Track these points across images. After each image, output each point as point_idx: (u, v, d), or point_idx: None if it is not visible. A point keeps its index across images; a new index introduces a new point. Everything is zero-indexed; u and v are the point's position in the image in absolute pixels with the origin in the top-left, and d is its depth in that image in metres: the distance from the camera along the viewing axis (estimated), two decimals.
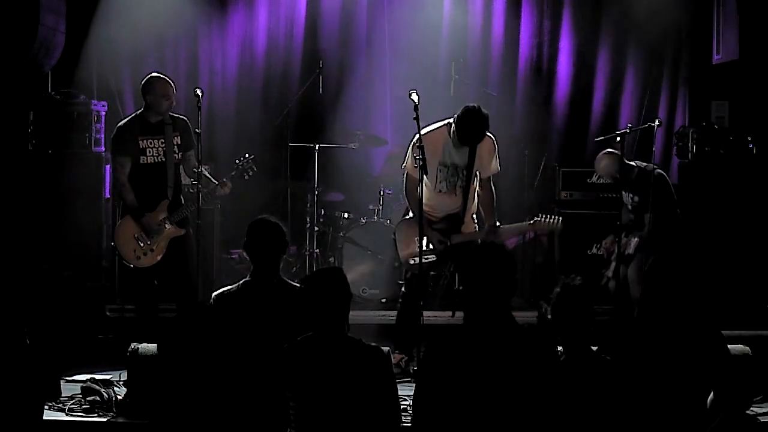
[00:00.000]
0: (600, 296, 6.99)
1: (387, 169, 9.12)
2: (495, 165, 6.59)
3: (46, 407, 4.88)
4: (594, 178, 8.20)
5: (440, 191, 6.48)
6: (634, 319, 6.61)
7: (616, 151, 7.13)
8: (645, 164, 7.22)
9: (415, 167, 6.16)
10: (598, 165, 7.37)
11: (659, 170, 7.24)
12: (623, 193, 7.20)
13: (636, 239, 7.08)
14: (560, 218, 6.58)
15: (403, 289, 6.69)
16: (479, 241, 6.56)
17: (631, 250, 7.05)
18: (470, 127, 6.32)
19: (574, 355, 4.08)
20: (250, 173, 6.67)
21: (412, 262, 6.48)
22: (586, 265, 7.83)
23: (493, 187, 6.65)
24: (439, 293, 8.14)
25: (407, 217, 6.70)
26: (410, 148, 6.49)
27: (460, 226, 6.54)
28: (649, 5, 8.88)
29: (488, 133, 6.51)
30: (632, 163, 7.19)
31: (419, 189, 6.33)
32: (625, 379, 4.08)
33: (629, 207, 7.19)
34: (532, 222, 6.62)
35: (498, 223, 6.55)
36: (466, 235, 6.53)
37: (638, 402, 4.17)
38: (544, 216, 6.60)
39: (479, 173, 6.54)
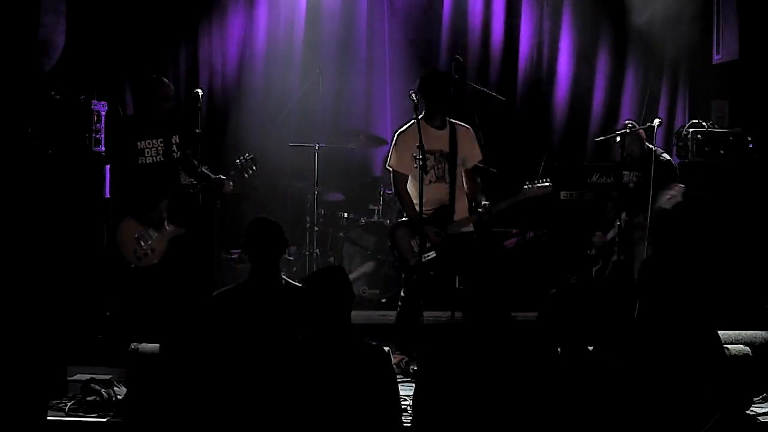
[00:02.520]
0: (601, 295, 7.02)
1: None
2: (478, 153, 6.68)
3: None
4: (594, 178, 8.19)
5: (431, 182, 6.46)
6: (633, 317, 6.60)
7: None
8: (659, 150, 7.47)
9: (415, 167, 6.17)
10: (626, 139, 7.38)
11: (668, 156, 7.53)
12: (624, 173, 7.20)
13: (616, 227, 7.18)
14: (548, 180, 6.66)
15: (402, 291, 6.67)
16: (473, 226, 6.56)
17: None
18: (435, 80, 6.48)
19: (571, 355, 4.09)
20: (250, 172, 6.68)
21: (412, 263, 6.46)
22: (587, 265, 7.82)
23: (477, 176, 6.71)
24: (439, 293, 8.12)
25: (402, 219, 6.67)
26: (394, 145, 6.51)
27: (452, 215, 6.53)
28: (650, 5, 8.88)
29: (464, 124, 6.63)
30: (650, 146, 7.40)
31: (413, 187, 6.36)
32: (623, 379, 4.08)
33: (630, 185, 7.19)
34: (522, 191, 6.65)
35: (487, 203, 6.54)
36: (461, 221, 6.52)
37: (635, 401, 4.17)
38: (531, 183, 6.65)
39: (465, 162, 6.58)
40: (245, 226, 4.84)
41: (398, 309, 6.66)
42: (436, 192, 6.49)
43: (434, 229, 6.46)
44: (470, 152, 6.62)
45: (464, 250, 6.42)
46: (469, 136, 6.64)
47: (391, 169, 6.59)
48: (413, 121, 6.37)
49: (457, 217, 6.54)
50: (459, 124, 6.62)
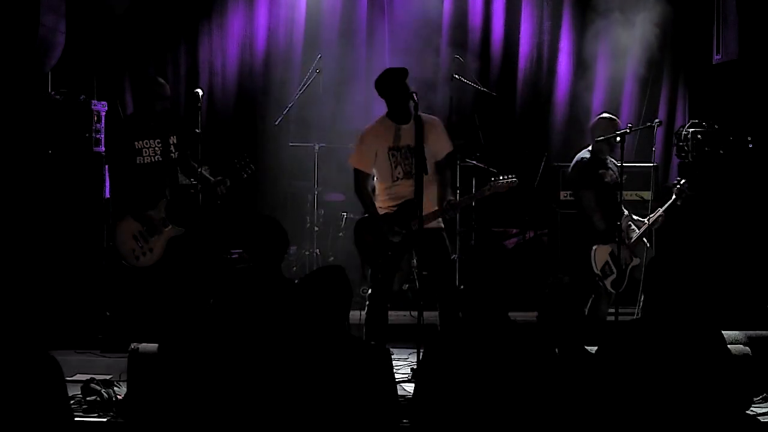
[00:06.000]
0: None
1: None
2: (446, 144, 6.48)
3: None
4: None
5: (397, 179, 6.41)
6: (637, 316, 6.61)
7: None
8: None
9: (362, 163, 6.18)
10: None
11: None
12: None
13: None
14: (514, 176, 6.56)
15: (369, 290, 6.55)
16: (440, 220, 6.47)
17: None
18: (386, 78, 6.38)
19: (568, 355, 4.09)
20: (248, 171, 6.65)
21: (372, 259, 6.42)
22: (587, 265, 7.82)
23: (450, 168, 6.57)
24: (407, 294, 8.08)
25: (363, 216, 6.56)
26: (358, 143, 6.50)
27: (417, 211, 6.39)
28: (649, 5, 8.89)
29: (431, 117, 6.51)
30: None
31: (380, 184, 6.40)
32: (620, 378, 4.08)
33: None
34: (487, 186, 6.60)
35: (451, 199, 6.45)
36: (427, 216, 6.27)
37: (634, 401, 4.16)
38: (497, 178, 6.57)
39: (435, 155, 6.42)
40: (245, 227, 4.84)
41: (366, 308, 6.54)
42: (404, 188, 6.40)
43: (393, 227, 6.40)
44: (438, 144, 6.43)
45: (432, 246, 6.36)
46: (436, 128, 6.46)
47: (352, 166, 6.54)
48: (381, 117, 6.41)
49: (424, 212, 6.34)
50: (426, 117, 6.42)
